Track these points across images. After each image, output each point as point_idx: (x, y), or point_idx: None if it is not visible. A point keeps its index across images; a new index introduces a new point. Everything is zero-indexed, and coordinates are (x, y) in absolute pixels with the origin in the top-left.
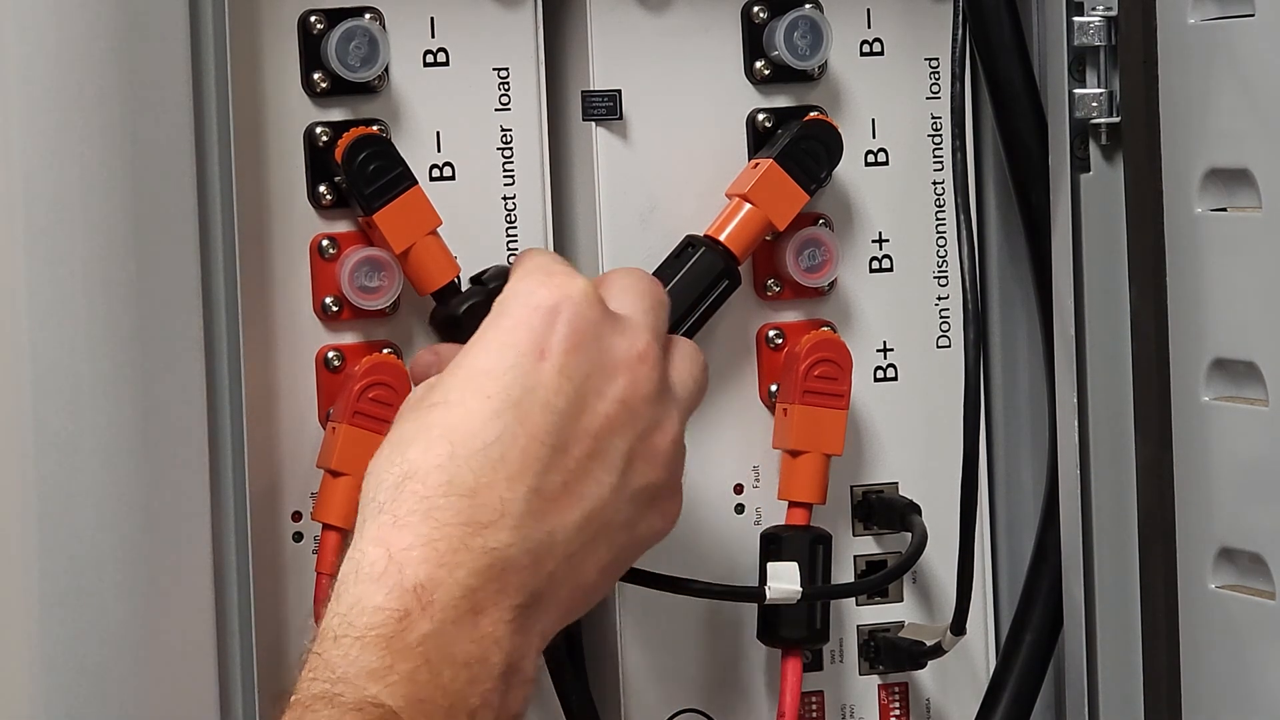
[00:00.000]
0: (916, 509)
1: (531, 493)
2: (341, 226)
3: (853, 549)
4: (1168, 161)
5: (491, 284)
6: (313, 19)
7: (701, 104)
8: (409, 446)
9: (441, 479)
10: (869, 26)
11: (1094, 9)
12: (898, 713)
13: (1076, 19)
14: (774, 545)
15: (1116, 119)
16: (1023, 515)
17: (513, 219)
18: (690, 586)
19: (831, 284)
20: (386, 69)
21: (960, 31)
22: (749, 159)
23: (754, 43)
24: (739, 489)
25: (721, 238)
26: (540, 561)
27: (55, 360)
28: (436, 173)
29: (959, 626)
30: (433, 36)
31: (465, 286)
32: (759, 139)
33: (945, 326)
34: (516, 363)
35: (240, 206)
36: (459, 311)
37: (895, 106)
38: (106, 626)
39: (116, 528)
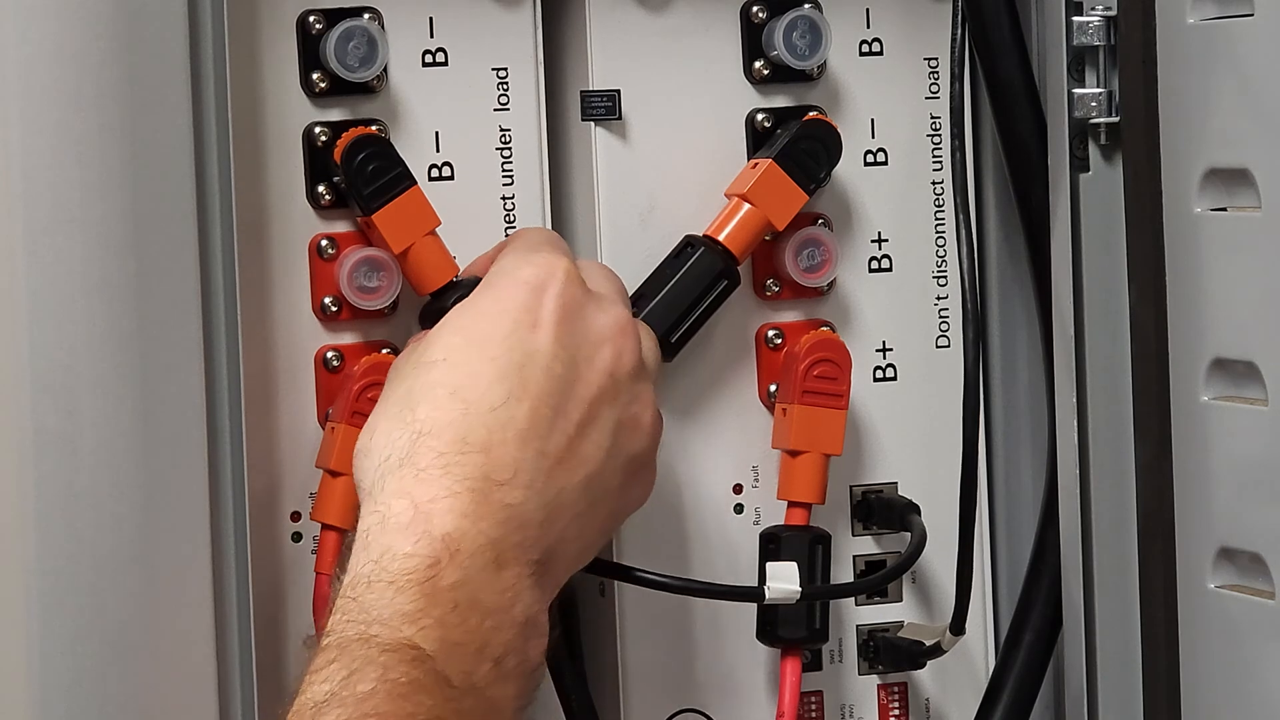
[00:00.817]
0: (916, 509)
1: (539, 454)
2: (340, 226)
3: (852, 549)
4: (1167, 161)
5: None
6: (311, 19)
7: (701, 104)
8: (418, 404)
9: (456, 435)
10: (868, 26)
11: (1093, 9)
12: (897, 713)
13: (1076, 19)
14: (773, 545)
15: (1116, 119)
16: (1023, 515)
17: (512, 219)
18: (690, 586)
19: (831, 284)
20: (385, 69)
21: (959, 31)
22: (748, 159)
23: (753, 43)
24: (738, 489)
25: (721, 238)
26: (551, 520)
27: (55, 360)
28: (435, 173)
29: (958, 626)
30: (431, 36)
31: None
32: (758, 139)
33: (945, 326)
34: (514, 330)
35: (239, 206)
36: (448, 304)
37: (894, 106)
38: (106, 626)
39: (116, 528)
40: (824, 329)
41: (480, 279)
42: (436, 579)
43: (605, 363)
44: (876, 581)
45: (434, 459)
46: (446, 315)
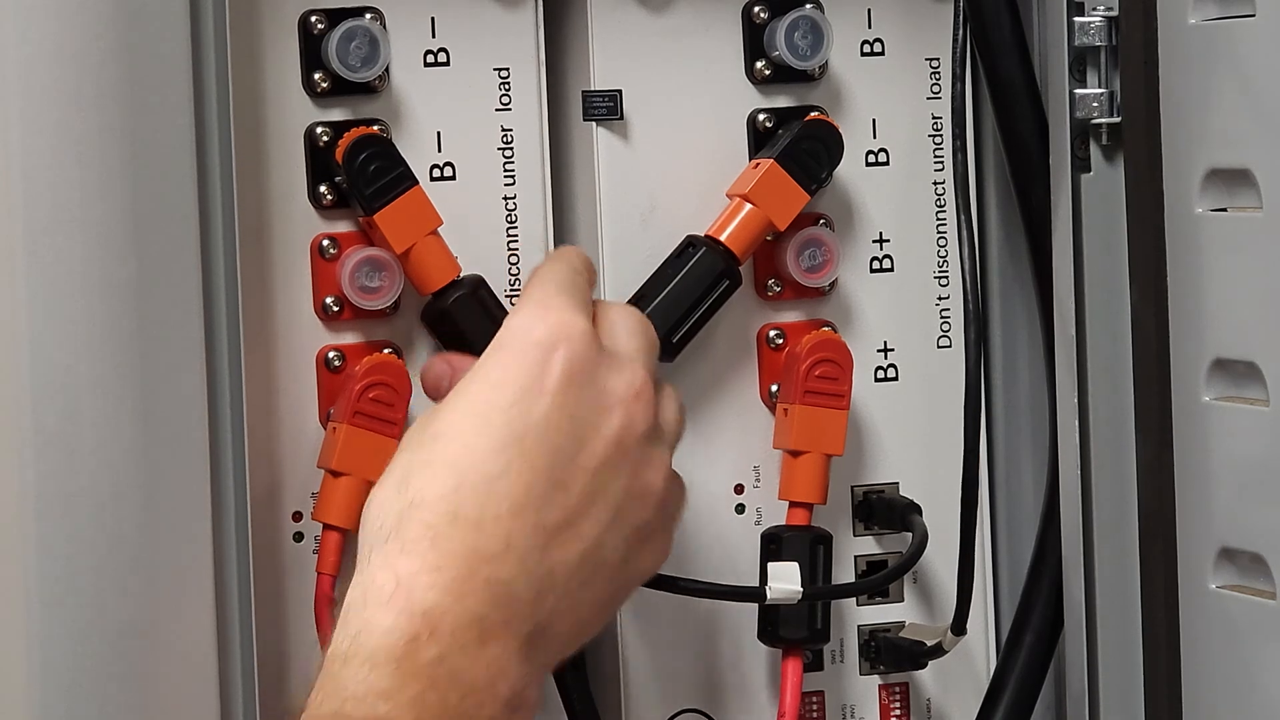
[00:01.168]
0: (917, 509)
1: (535, 528)
2: (342, 226)
3: (853, 549)
4: (1168, 161)
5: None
6: (313, 19)
7: (702, 104)
8: (413, 477)
9: (447, 509)
10: (869, 26)
11: (1094, 9)
12: (898, 713)
13: (1077, 19)
14: (774, 545)
15: (1117, 119)
16: (1023, 515)
17: (513, 219)
18: (690, 586)
19: (832, 284)
20: (387, 69)
21: (961, 31)
22: (749, 159)
23: (754, 43)
24: (739, 489)
25: (722, 238)
26: (543, 595)
27: (55, 360)
28: (437, 173)
29: (959, 626)
30: (433, 36)
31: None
32: (759, 139)
33: (945, 326)
34: (517, 398)
35: (240, 206)
36: (448, 304)
37: (896, 106)
38: (106, 626)
39: (116, 528)
40: (825, 329)
41: (481, 279)
42: (414, 655)
43: (613, 430)
44: (878, 582)
45: (422, 531)
46: (464, 378)
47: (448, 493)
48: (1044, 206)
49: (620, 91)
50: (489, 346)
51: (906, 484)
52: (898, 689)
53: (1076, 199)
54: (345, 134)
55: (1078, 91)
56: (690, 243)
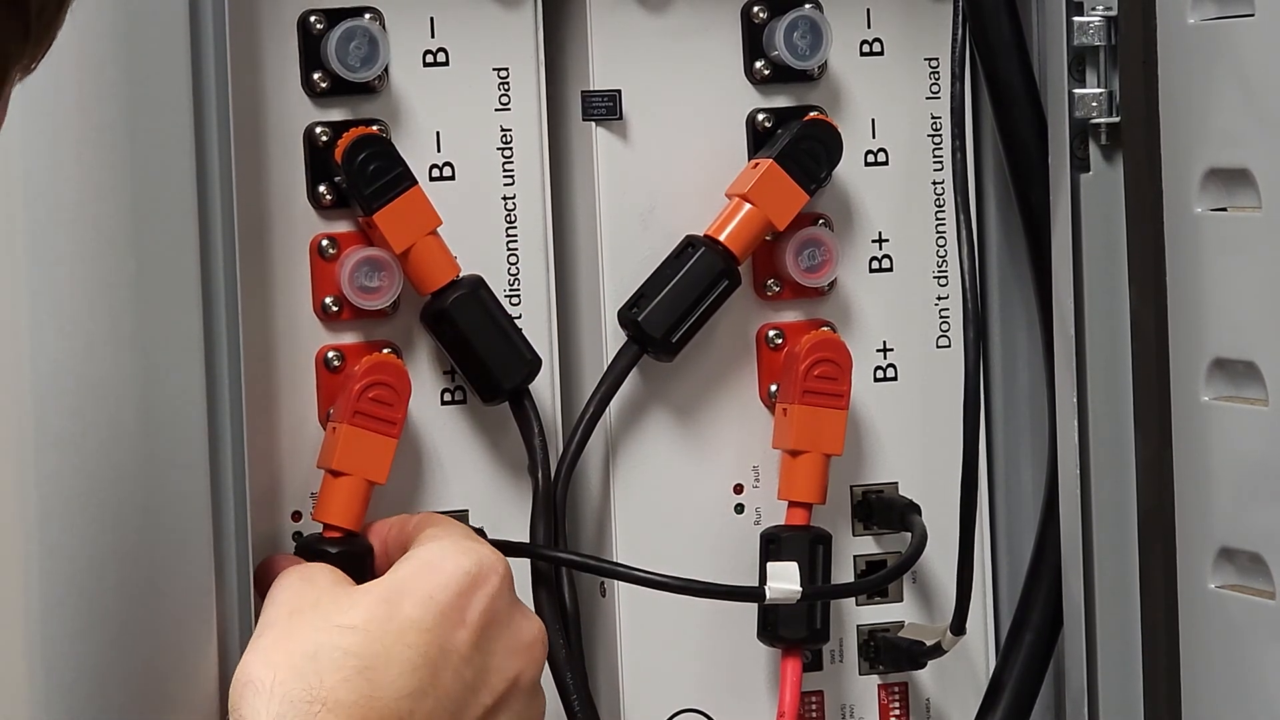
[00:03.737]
0: (916, 509)
1: None
2: (341, 226)
3: (853, 549)
4: (1168, 161)
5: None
6: (313, 19)
7: (701, 104)
8: (325, 670)
9: (358, 716)
10: (869, 26)
11: (1094, 9)
12: (898, 713)
13: (1076, 19)
14: (774, 545)
15: (1116, 119)
16: (1023, 515)
17: (513, 219)
18: (690, 586)
19: (831, 284)
20: (386, 69)
21: (960, 31)
22: (749, 159)
23: (754, 43)
24: (739, 489)
25: (721, 238)
26: None
27: (56, 360)
28: (436, 173)
29: (959, 626)
30: (433, 36)
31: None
32: (759, 139)
33: (945, 326)
34: (439, 621)
35: (240, 206)
36: (447, 304)
37: (895, 106)
38: (106, 627)
39: (116, 528)
40: (824, 329)
41: (481, 279)
42: None
43: (513, 672)
44: (877, 581)
45: None
46: (381, 580)
47: (359, 699)
48: (1043, 206)
49: (620, 91)
50: (410, 558)
51: (905, 484)
52: (897, 689)
53: (1076, 199)
54: (344, 134)
55: (1077, 91)
56: (690, 243)
